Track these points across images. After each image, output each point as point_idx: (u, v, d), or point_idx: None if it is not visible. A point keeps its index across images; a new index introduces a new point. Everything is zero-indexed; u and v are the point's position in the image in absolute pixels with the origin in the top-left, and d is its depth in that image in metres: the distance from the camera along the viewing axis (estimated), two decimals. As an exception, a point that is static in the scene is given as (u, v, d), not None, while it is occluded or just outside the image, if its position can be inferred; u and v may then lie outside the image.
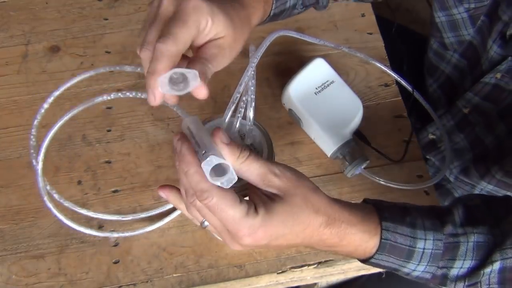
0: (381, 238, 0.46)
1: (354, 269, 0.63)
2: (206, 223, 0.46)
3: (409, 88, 0.69)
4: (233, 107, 0.46)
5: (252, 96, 0.47)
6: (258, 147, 0.49)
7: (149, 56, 0.44)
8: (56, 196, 0.59)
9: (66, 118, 0.57)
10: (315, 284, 0.72)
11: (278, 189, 0.44)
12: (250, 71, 0.47)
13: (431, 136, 0.77)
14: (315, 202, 0.44)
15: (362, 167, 0.64)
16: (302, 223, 0.44)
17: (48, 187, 0.59)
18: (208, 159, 0.41)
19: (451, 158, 0.70)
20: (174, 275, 0.60)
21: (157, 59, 0.43)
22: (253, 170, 0.44)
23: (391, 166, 0.66)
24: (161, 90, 0.42)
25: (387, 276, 0.72)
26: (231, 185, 0.42)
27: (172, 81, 0.42)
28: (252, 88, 0.47)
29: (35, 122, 0.57)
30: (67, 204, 0.60)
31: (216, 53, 0.47)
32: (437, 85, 0.81)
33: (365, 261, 0.48)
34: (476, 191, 0.75)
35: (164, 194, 0.49)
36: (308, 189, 0.45)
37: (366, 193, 0.64)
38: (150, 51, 0.44)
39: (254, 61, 0.48)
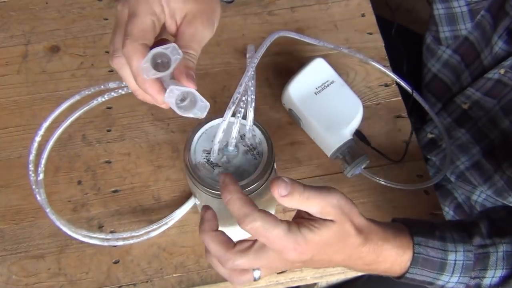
0: (413, 253, 0.48)
1: (354, 269, 0.63)
2: (256, 274, 0.46)
3: (409, 88, 0.68)
4: (233, 108, 0.46)
5: (252, 96, 0.47)
6: (259, 147, 0.49)
7: (121, 62, 0.44)
8: (58, 219, 0.58)
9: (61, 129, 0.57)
10: (315, 284, 0.72)
11: (333, 217, 0.45)
12: (250, 72, 0.47)
13: (430, 135, 0.77)
14: (358, 225, 0.46)
15: (362, 167, 0.63)
16: (343, 242, 0.45)
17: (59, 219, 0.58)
18: (168, 90, 0.41)
19: (451, 157, 0.70)
20: (174, 275, 0.60)
21: (128, 63, 0.43)
22: (313, 206, 0.45)
23: (391, 166, 0.66)
24: (145, 77, 0.41)
25: (387, 276, 0.72)
26: (206, 112, 0.42)
27: (157, 66, 0.42)
28: (252, 88, 0.47)
29: (31, 157, 0.55)
30: (79, 231, 0.59)
31: (193, 32, 0.46)
32: (423, 85, 0.81)
33: (401, 277, 0.49)
34: (476, 194, 0.75)
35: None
36: (354, 213, 0.46)
37: (366, 193, 0.64)
38: (120, 56, 0.44)
39: (255, 61, 0.48)
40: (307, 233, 0.44)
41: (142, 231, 0.60)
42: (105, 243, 0.59)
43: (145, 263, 0.60)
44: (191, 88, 0.43)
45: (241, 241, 0.45)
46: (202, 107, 0.42)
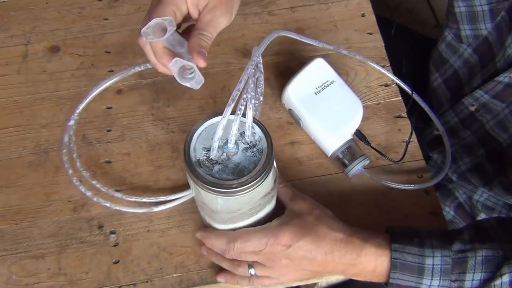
0: (391, 258, 0.52)
1: (354, 269, 0.63)
2: (251, 271, 0.56)
3: (408, 89, 0.68)
4: (232, 105, 0.46)
5: (252, 93, 0.47)
6: (258, 145, 0.49)
7: (143, 41, 0.53)
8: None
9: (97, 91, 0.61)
10: (315, 284, 0.72)
11: (299, 208, 0.55)
12: (250, 69, 0.47)
13: (436, 132, 0.77)
14: (330, 223, 0.54)
15: (362, 167, 0.64)
16: (318, 235, 0.52)
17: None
18: (173, 60, 0.50)
19: (454, 157, 0.70)
20: (174, 275, 0.60)
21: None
22: (287, 192, 0.58)
23: (391, 166, 0.66)
24: (144, 39, 0.51)
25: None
26: (199, 85, 0.50)
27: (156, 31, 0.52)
28: (252, 85, 0.47)
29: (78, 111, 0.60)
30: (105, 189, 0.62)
31: (211, 17, 0.53)
32: (442, 80, 0.80)
33: (387, 283, 0.53)
34: (478, 194, 0.75)
35: (222, 278, 0.59)
36: (325, 214, 0.55)
37: (366, 193, 0.64)
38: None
39: (254, 59, 0.48)
40: (280, 223, 0.54)
41: (133, 198, 0.61)
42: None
43: (145, 263, 0.60)
44: (198, 64, 0.51)
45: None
46: (198, 81, 0.50)
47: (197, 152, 0.49)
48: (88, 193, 0.61)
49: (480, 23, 0.70)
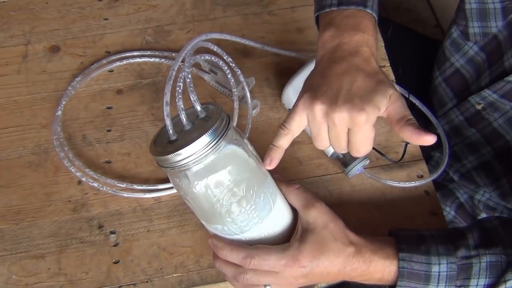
0: (398, 267, 0.53)
1: (354, 269, 0.63)
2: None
3: (403, 91, 0.68)
4: (167, 95, 0.49)
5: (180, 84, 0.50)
6: (210, 114, 0.51)
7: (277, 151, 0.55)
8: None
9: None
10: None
11: (314, 220, 0.53)
12: (176, 65, 0.50)
13: (438, 131, 0.76)
14: (343, 237, 0.53)
15: (362, 167, 0.64)
16: (333, 251, 0.52)
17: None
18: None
19: (448, 152, 0.69)
20: (174, 275, 0.60)
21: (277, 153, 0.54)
22: (299, 197, 0.55)
23: (391, 166, 0.66)
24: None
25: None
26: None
27: None
28: (188, 80, 0.50)
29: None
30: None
31: None
32: (442, 78, 0.79)
33: (394, 287, 0.54)
34: (479, 194, 0.75)
35: None
36: (338, 227, 0.54)
37: (366, 193, 0.64)
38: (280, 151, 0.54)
39: (179, 59, 0.52)
40: (299, 244, 0.52)
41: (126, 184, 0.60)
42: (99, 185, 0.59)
43: (145, 263, 0.60)
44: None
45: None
46: None
47: (162, 143, 0.50)
48: (78, 173, 0.61)
49: (491, 21, 0.69)
